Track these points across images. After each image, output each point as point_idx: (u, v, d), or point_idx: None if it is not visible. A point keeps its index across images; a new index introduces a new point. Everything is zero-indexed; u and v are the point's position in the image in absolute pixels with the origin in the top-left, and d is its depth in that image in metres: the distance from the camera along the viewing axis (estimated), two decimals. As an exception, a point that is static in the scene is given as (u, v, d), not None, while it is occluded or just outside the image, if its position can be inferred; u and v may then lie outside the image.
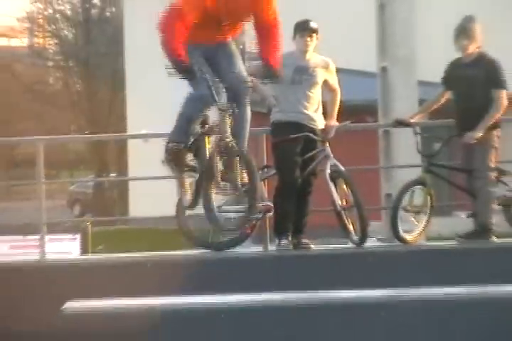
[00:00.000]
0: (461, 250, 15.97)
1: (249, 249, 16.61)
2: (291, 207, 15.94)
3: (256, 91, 16.90)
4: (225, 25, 10.30)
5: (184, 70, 12.11)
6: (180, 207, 16.95)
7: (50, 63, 74.81)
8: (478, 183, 16.11)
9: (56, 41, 74.84)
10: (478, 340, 14.11)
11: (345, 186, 16.25)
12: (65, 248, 21.20)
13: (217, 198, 16.51)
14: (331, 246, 17.01)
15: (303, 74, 16.24)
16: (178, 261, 16.57)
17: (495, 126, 16.47)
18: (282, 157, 16.01)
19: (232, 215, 16.20)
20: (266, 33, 10.43)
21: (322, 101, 16.51)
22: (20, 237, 23.53)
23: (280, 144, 16.04)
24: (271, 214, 16.08)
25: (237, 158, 15.33)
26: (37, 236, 18.75)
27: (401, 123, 17.49)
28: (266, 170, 16.80)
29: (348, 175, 16.43)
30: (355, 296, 14.52)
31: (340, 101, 16.68)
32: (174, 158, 16.14)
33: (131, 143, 41.33)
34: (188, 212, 17.01)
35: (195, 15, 10.45)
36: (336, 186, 16.17)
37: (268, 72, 9.61)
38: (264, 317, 14.06)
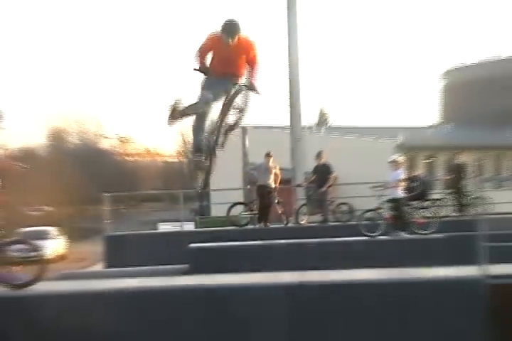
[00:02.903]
0: (319, 226, 15.47)
1: (250, 227, 15.88)
2: (264, 213, 15.38)
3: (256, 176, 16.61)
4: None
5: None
6: (228, 210, 16.45)
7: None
8: (324, 204, 15.75)
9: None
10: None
11: (281, 205, 16.07)
12: (189, 227, 20.65)
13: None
14: (278, 226, 15.95)
15: (267, 170, 15.58)
16: (228, 230, 16.08)
17: (329, 186, 15.95)
18: (260, 197, 15.48)
19: (246, 216, 16.45)
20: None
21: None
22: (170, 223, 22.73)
23: (259, 192, 15.58)
24: (257, 215, 15.62)
25: None
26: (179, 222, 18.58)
27: (299, 185, 17.61)
28: (255, 200, 16.22)
29: (283, 202, 16.05)
30: (291, 242, 13.37)
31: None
32: None
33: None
34: (231, 212, 16.59)
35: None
36: (278, 205, 15.94)
37: (252, 88, 7.23)
38: (260, 251, 12.69)
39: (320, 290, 7.67)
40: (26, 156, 50.57)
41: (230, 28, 6.84)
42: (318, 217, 16.28)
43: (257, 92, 7.36)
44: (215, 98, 7.17)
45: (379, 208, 13.39)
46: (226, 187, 22.04)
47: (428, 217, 14.20)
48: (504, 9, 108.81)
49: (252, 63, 7.09)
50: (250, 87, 7.23)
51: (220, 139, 7.35)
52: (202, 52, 7.18)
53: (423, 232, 13.39)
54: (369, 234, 13.02)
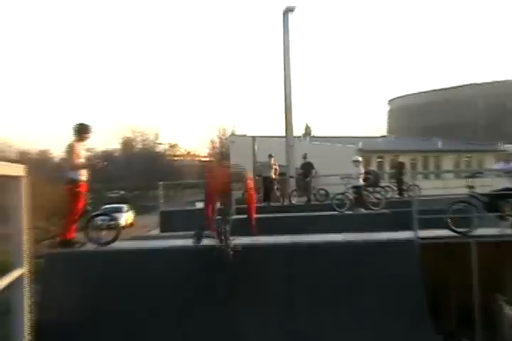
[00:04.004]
0: (305, 204, 15.46)
1: (258, 205, 15.68)
2: (268, 195, 15.28)
3: (262, 170, 16.33)
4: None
5: None
6: (243, 194, 16.28)
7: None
8: (308, 190, 15.89)
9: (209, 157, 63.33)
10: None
11: (279, 191, 16.03)
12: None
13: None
14: (277, 204, 15.41)
15: (269, 166, 15.51)
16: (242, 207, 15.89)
17: (311, 177, 15.99)
18: (265, 184, 15.35)
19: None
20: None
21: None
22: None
23: (264, 181, 15.47)
24: (263, 197, 15.50)
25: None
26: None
27: (291, 177, 17.54)
28: (261, 187, 15.79)
29: (280, 188, 15.90)
30: (286, 215, 13.09)
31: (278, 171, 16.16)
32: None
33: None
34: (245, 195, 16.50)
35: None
36: (277, 190, 15.89)
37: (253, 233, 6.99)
38: (265, 221, 12.60)
39: (306, 248, 7.70)
40: (106, 157, 50.70)
41: (238, 175, 6.53)
42: (304, 199, 16.29)
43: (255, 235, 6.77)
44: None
45: (346, 192, 13.37)
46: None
47: (378, 199, 14.18)
48: (437, 47, 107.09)
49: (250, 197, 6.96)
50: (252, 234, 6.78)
51: None
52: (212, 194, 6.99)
53: (375, 209, 13.38)
54: (339, 210, 13.00)
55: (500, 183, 8.09)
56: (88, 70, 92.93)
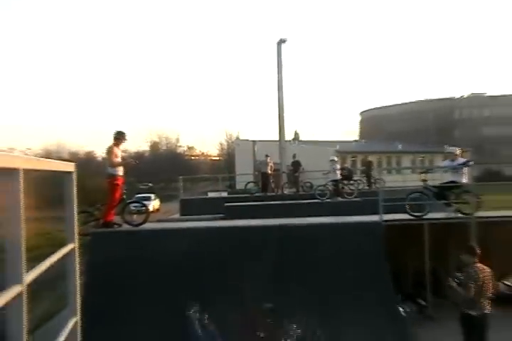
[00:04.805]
0: (294, 194, 15.02)
1: (257, 194, 15.15)
2: (265, 187, 14.94)
3: (260, 167, 15.89)
4: None
5: None
6: (245, 185, 15.73)
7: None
8: (297, 182, 15.75)
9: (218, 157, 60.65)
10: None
11: (274, 183, 15.54)
12: (225, 194, 19.26)
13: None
14: (272, 194, 14.88)
15: (266, 164, 15.01)
16: (245, 196, 15.26)
17: (299, 172, 16.13)
18: (262, 178, 15.06)
19: (255, 189, 15.85)
20: None
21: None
22: (214, 192, 22.08)
23: (262, 176, 15.08)
24: (261, 188, 15.31)
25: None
26: (219, 192, 18.22)
27: (283, 172, 17.19)
28: (259, 180, 15.54)
29: (275, 181, 15.48)
30: (280, 203, 12.74)
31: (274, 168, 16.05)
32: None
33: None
34: (247, 186, 15.92)
35: None
36: (272, 183, 15.24)
37: None
38: (263, 207, 11.55)
39: (295, 229, 7.65)
40: (138, 156, 50.61)
41: None
42: (293, 190, 16.12)
43: None
44: None
45: (326, 184, 13.33)
46: (244, 173, 21.89)
47: (352, 189, 14.16)
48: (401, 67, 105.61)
49: None
50: None
51: None
52: None
53: (349, 198, 13.35)
54: (321, 198, 12.96)
55: (447, 177, 8.07)
56: (127, 88, 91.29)
